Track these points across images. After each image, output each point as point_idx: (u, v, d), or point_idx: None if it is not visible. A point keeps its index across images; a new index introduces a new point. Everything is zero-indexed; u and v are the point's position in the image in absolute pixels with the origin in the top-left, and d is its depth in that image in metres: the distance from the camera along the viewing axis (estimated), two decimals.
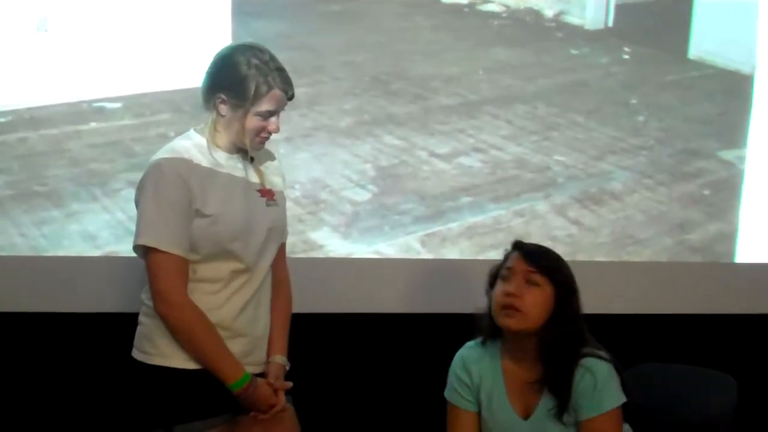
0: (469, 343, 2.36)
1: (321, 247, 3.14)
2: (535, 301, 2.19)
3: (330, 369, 3.15)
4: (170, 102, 3.07)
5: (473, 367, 2.31)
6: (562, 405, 2.18)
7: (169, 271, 2.14)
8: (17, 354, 3.11)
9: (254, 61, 2.19)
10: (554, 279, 2.22)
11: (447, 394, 2.37)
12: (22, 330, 3.08)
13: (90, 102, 3.05)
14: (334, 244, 3.15)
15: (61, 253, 3.00)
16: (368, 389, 3.26)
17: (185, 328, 2.16)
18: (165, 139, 2.99)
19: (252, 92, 2.17)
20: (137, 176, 2.89)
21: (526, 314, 2.19)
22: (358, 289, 3.16)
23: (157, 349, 2.20)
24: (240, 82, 2.18)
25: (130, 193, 2.93)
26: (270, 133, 2.24)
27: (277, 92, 2.20)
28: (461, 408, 2.34)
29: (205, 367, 2.17)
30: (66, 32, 3.03)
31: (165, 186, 2.15)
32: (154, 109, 3.07)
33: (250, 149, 2.25)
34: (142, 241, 2.15)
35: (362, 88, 3.23)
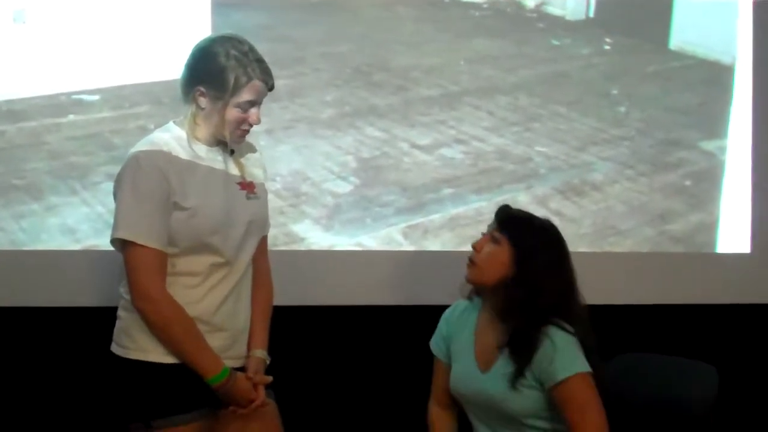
0: (460, 300, 2.46)
1: (302, 239, 3.13)
2: (489, 256, 2.29)
3: (312, 362, 3.14)
4: (149, 94, 3.05)
5: (452, 320, 2.46)
6: (518, 371, 2.23)
7: (146, 265, 2.13)
8: None
9: (233, 52, 2.17)
10: (514, 239, 2.29)
11: (430, 343, 2.51)
12: (1, 324, 3.06)
13: (68, 94, 3.03)
14: (315, 237, 3.14)
15: (40, 247, 2.98)
16: (351, 382, 3.26)
17: (163, 322, 2.14)
18: (144, 131, 2.97)
19: (231, 84, 2.16)
20: (116, 169, 2.86)
21: (480, 267, 2.30)
22: (339, 281, 3.15)
23: (136, 343, 2.18)
24: (219, 74, 2.16)
25: (110, 186, 2.90)
26: (251, 125, 2.23)
27: (256, 83, 2.18)
28: (438, 357, 2.48)
29: (183, 362, 2.15)
30: (44, 24, 3.01)
31: (143, 178, 2.13)
32: (132, 102, 3.05)
33: (231, 141, 2.23)
34: (120, 235, 2.14)
35: (343, 79, 3.22)
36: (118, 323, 2.25)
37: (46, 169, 3.00)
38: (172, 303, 2.14)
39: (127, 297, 2.20)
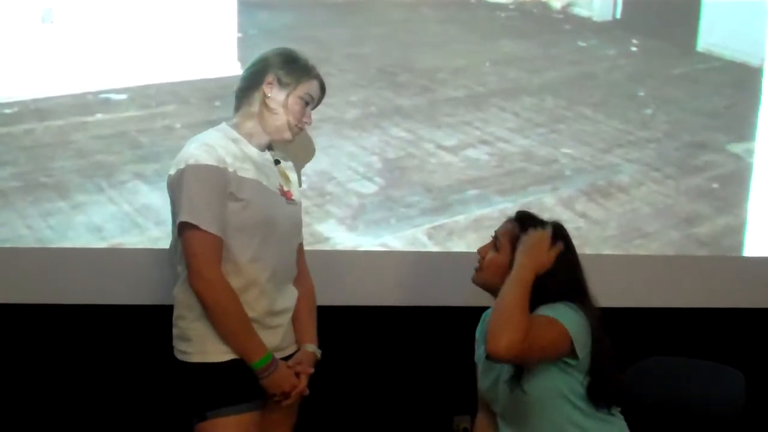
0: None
1: (327, 239, 3.13)
2: (491, 260, 2.36)
3: (336, 361, 3.14)
4: (175, 93, 3.06)
5: (483, 325, 2.47)
6: (517, 373, 2.24)
7: (206, 249, 2.24)
8: (22, 345, 3.11)
9: (295, 55, 2.43)
10: (515, 246, 2.32)
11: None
12: (28, 322, 3.09)
13: (95, 93, 3.05)
14: (340, 237, 3.15)
15: (67, 244, 3.00)
16: (373, 382, 3.26)
17: (217, 303, 2.25)
18: (170, 130, 3.01)
19: (299, 72, 2.39)
20: (143, 168, 2.90)
21: (483, 270, 2.37)
22: (364, 281, 3.15)
23: (194, 346, 2.29)
24: (289, 63, 2.40)
25: (137, 185, 2.94)
26: (304, 125, 2.43)
27: (315, 82, 2.43)
28: (477, 364, 2.48)
29: (231, 345, 2.26)
30: (71, 23, 3.03)
31: (205, 168, 2.24)
32: (159, 101, 3.06)
33: (291, 132, 2.40)
34: (184, 218, 2.23)
35: (368, 80, 3.22)
36: (174, 330, 2.35)
37: (73, 168, 3.02)
38: (228, 286, 2.25)
39: (182, 298, 2.30)
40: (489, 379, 2.38)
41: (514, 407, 2.30)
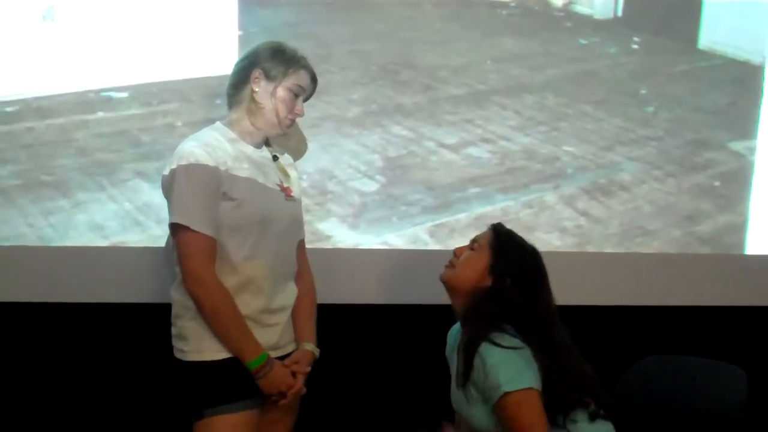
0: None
1: (328, 237, 3.13)
2: (466, 260, 2.36)
3: (338, 360, 3.14)
4: (177, 91, 3.06)
5: (451, 341, 2.48)
6: (463, 375, 2.25)
7: (199, 250, 2.23)
8: (23, 344, 3.11)
9: (283, 47, 2.39)
10: (494, 250, 2.34)
11: None
12: (30, 320, 3.09)
13: (97, 91, 3.05)
14: (341, 235, 3.14)
15: (68, 243, 3.00)
16: (375, 380, 3.26)
17: (212, 305, 2.24)
18: (172, 128, 3.00)
19: (286, 64, 2.34)
20: (144, 166, 2.89)
21: (456, 269, 2.37)
22: (365, 279, 3.15)
23: (191, 345, 2.29)
24: (276, 55, 2.35)
25: (138, 183, 2.94)
26: (296, 116, 2.38)
27: (306, 73, 2.38)
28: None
29: (226, 345, 2.26)
30: (72, 21, 3.02)
31: (197, 169, 2.23)
32: (160, 99, 3.06)
33: (281, 126, 2.37)
34: (176, 220, 2.23)
35: (370, 77, 3.22)
36: (173, 330, 2.35)
37: (75, 166, 3.02)
38: (222, 287, 2.24)
39: (178, 298, 2.29)
40: (455, 397, 2.37)
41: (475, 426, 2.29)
